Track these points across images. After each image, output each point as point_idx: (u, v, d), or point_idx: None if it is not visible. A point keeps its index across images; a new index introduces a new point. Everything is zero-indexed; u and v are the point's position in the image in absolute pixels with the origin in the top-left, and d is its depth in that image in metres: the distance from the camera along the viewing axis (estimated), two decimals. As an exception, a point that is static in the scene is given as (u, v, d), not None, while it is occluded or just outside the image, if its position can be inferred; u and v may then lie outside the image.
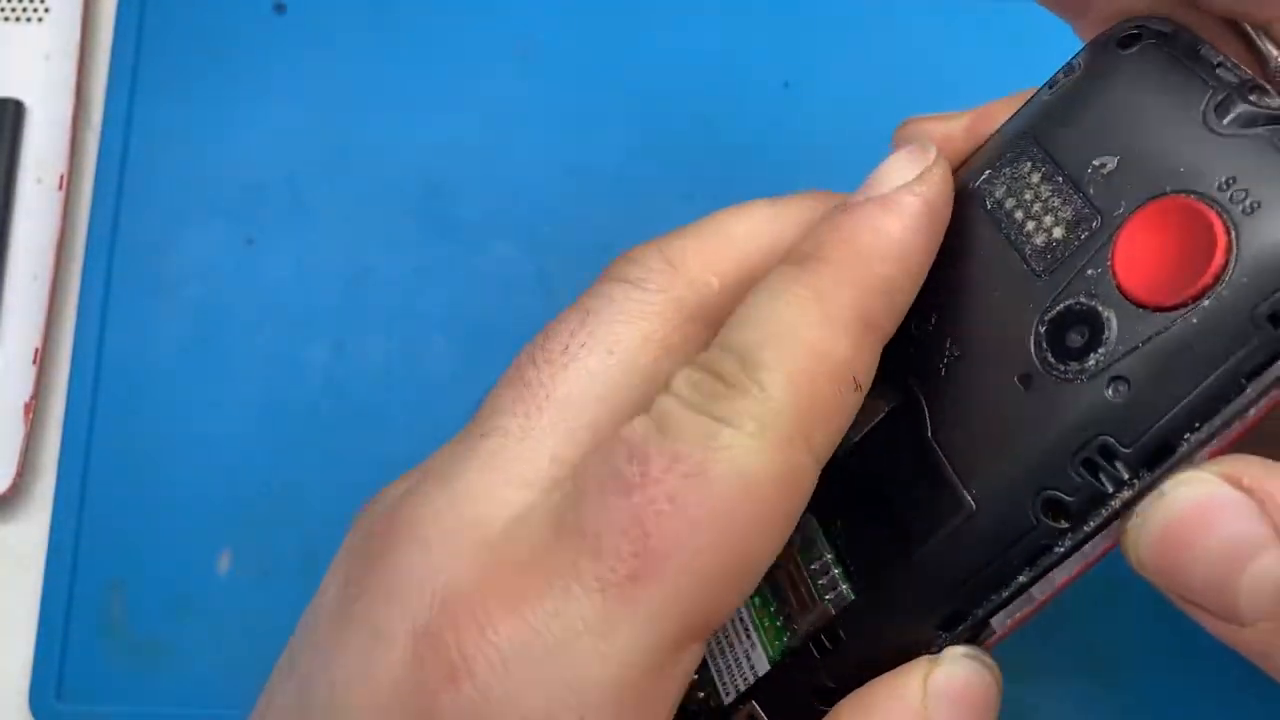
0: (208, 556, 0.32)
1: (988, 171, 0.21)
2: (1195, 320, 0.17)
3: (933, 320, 0.21)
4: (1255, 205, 0.17)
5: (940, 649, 0.19)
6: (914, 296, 0.20)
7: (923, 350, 0.21)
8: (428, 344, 0.33)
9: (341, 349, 0.33)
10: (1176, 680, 0.29)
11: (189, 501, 0.32)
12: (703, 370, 0.19)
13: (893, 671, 0.20)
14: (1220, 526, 0.17)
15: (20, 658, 0.31)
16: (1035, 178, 0.20)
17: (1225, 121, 0.18)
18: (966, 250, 0.20)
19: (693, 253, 0.22)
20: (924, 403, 0.20)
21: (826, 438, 0.19)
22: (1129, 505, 0.17)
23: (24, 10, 0.35)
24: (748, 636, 0.22)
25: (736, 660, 0.22)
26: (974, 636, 0.19)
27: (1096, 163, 0.19)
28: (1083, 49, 0.20)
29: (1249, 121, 0.18)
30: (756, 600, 0.22)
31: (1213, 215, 0.17)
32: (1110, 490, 0.18)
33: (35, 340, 0.33)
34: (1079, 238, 0.19)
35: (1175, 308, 0.17)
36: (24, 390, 0.32)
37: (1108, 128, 0.19)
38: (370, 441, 0.32)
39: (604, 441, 0.19)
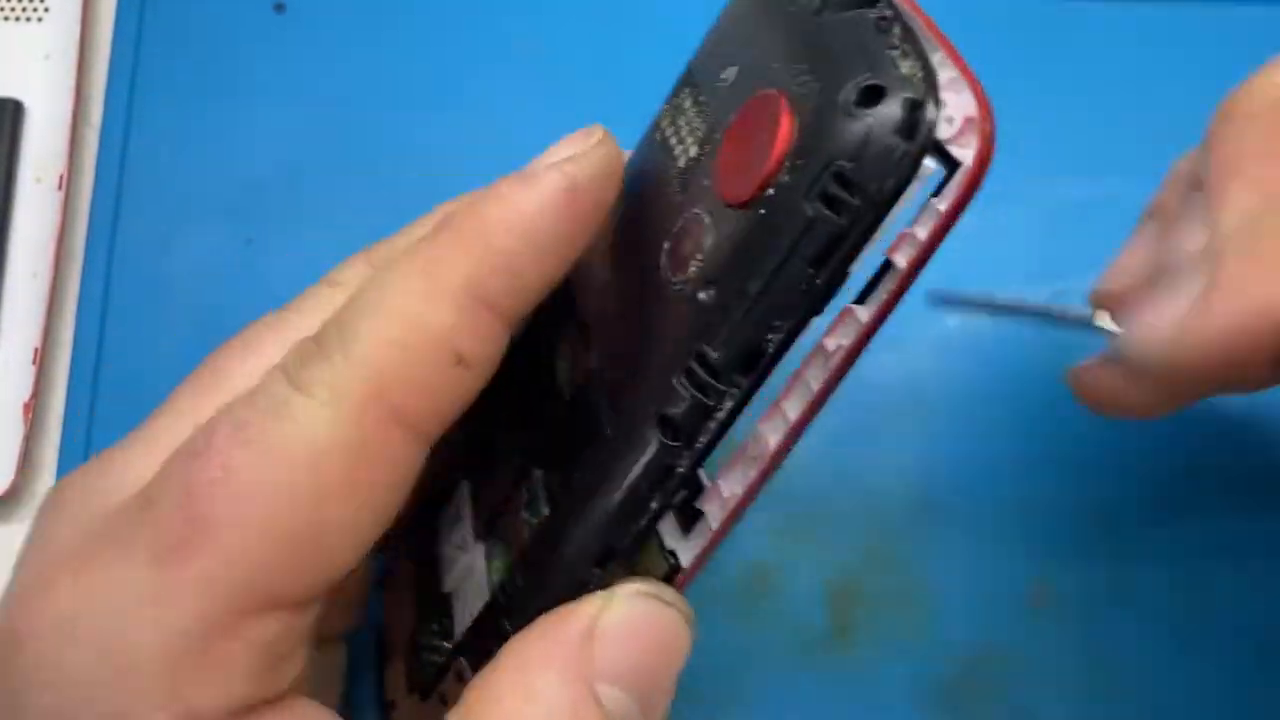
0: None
1: (664, 106, 0.21)
2: (763, 211, 0.16)
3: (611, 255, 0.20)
4: (818, 88, 0.16)
5: (601, 586, 0.18)
6: (552, 279, 0.19)
7: (589, 277, 0.20)
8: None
9: (341, 349, 0.33)
10: (1176, 680, 0.29)
11: (189, 501, 0.32)
12: (311, 339, 0.19)
13: (561, 607, 0.18)
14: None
15: (20, 658, 0.31)
16: (687, 103, 0.20)
17: (822, 10, 0.17)
18: (644, 187, 0.20)
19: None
20: (591, 330, 0.20)
21: (424, 411, 0.18)
22: (733, 416, 0.17)
23: (24, 10, 0.35)
24: (476, 589, 0.21)
25: (467, 613, 0.22)
26: (633, 570, 0.18)
27: (723, 76, 0.18)
28: None
29: (842, 5, 0.17)
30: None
31: (782, 102, 0.16)
32: (711, 403, 0.17)
33: (35, 340, 0.33)
34: (706, 153, 0.18)
35: (750, 202, 0.16)
36: (24, 390, 0.32)
37: (735, 41, 0.19)
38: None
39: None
